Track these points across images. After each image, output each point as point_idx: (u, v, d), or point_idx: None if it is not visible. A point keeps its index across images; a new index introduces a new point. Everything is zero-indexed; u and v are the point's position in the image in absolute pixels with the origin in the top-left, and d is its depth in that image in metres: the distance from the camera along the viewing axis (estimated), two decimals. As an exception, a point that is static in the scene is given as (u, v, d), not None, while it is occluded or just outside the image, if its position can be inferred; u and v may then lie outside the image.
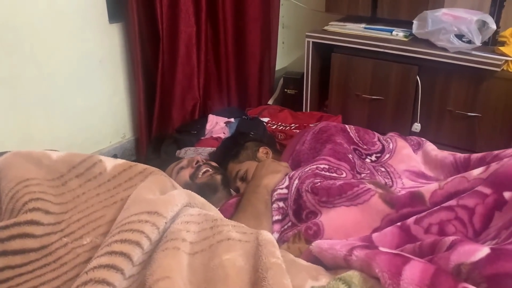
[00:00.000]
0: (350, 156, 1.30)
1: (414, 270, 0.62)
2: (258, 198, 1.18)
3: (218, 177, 1.38)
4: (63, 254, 0.79)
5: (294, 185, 1.18)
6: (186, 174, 1.38)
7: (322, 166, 1.23)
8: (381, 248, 0.70)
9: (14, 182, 0.86)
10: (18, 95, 1.59)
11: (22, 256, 0.77)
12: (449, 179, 0.99)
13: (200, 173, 1.37)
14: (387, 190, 1.13)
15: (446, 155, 1.31)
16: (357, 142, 1.41)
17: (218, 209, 1.28)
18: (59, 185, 0.93)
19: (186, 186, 1.35)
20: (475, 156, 1.20)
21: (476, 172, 0.96)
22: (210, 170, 1.39)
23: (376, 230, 1.01)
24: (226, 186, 1.40)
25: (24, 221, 0.79)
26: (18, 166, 0.91)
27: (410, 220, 0.91)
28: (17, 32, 1.55)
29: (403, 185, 1.27)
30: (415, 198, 0.99)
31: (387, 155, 1.40)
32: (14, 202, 0.82)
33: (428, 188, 1.00)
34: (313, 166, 1.23)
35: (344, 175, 1.22)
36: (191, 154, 1.78)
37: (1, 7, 1.48)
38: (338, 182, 1.12)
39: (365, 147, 1.41)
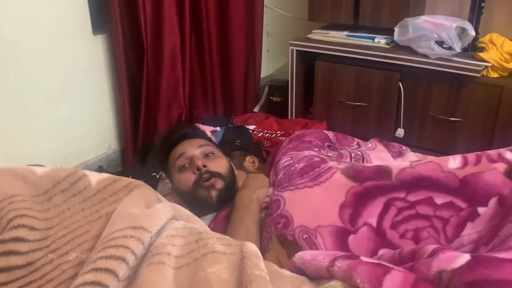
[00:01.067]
0: (315, 148, 1.29)
1: (395, 280, 0.64)
2: (251, 216, 1.17)
3: (214, 194, 1.33)
4: (49, 271, 0.79)
5: (271, 191, 1.20)
6: (190, 178, 1.35)
7: (284, 160, 1.23)
8: (363, 258, 0.72)
9: (-1, 198, 0.86)
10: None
11: (7, 273, 0.77)
12: (422, 161, 1.00)
13: (201, 182, 1.33)
14: (351, 164, 1.12)
15: None
16: (334, 142, 1.42)
17: (211, 222, 1.27)
18: (44, 201, 0.93)
19: (186, 190, 1.35)
20: None
21: (452, 164, 0.96)
22: (212, 180, 1.34)
23: (342, 205, 1.01)
24: (221, 202, 1.34)
25: (9, 239, 0.79)
26: (2, 183, 0.91)
27: (386, 224, 0.92)
28: (2, 46, 1.54)
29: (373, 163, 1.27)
30: (381, 171, 0.99)
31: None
32: (-2, 220, 0.82)
33: (397, 165, 1.00)
34: (279, 167, 1.23)
35: (307, 153, 1.22)
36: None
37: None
38: (300, 165, 1.13)
39: (341, 147, 1.41)
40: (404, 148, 1.46)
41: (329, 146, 1.38)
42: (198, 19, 2.15)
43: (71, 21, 1.75)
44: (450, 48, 1.85)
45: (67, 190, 0.94)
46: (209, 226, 1.21)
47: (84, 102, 1.88)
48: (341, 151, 1.32)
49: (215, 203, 1.33)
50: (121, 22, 1.84)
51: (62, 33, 1.73)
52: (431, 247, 0.72)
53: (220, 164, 1.38)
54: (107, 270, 0.70)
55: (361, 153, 1.32)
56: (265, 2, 2.43)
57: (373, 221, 0.96)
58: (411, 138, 2.01)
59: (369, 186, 0.98)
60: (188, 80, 2.16)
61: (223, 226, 1.23)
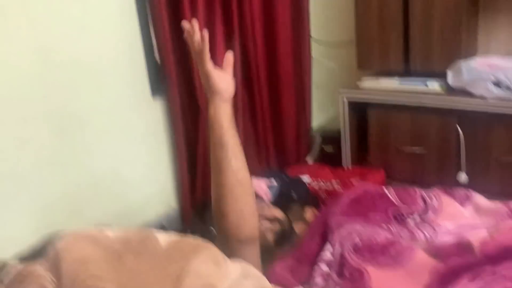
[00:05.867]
0: (383, 225, 1.28)
1: None
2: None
3: (270, 236, 1.35)
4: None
5: (337, 251, 1.16)
6: (268, 228, 1.37)
7: (357, 228, 1.21)
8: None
9: (75, 264, 0.88)
10: (69, 171, 1.66)
11: None
12: (502, 228, 0.94)
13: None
14: (428, 243, 1.09)
15: (499, 205, 1.27)
16: (398, 204, 1.38)
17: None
18: (115, 262, 0.94)
19: (263, 240, 1.33)
20: None
21: None
22: (267, 224, 1.37)
23: (426, 286, 0.96)
24: (279, 245, 1.36)
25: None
26: (78, 248, 0.93)
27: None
28: (70, 116, 1.64)
29: (447, 228, 1.23)
30: (462, 247, 0.95)
31: (432, 215, 1.36)
32: (76, 286, 0.84)
33: (476, 237, 0.95)
34: (349, 229, 1.21)
35: (382, 233, 1.19)
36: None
37: (58, 94, 1.59)
38: (379, 238, 1.09)
39: (407, 207, 1.38)
40: (470, 191, 1.40)
41: (395, 218, 1.34)
42: (249, 77, 2.20)
43: (131, 85, 1.84)
44: (508, 88, 1.80)
45: (137, 251, 0.95)
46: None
47: (143, 162, 1.94)
48: (411, 227, 1.28)
49: (272, 246, 1.33)
50: (177, 86, 1.92)
51: (125, 98, 1.82)
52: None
53: (274, 212, 1.41)
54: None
55: (429, 224, 1.29)
56: (312, 55, 2.47)
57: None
58: (475, 183, 1.92)
59: (454, 264, 0.95)
60: (241, 135, 2.19)
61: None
